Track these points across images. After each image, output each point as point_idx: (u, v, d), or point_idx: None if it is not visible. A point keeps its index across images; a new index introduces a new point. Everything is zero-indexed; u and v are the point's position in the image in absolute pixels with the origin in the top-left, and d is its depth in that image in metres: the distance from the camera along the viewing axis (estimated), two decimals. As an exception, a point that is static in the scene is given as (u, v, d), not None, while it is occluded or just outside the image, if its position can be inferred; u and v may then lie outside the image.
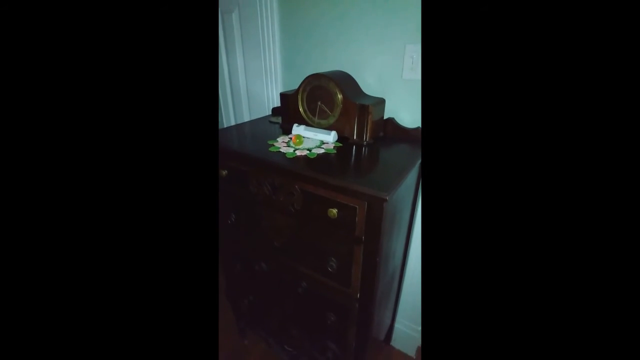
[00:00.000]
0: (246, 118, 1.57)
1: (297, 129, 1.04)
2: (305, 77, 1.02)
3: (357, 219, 0.76)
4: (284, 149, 0.94)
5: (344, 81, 1.01)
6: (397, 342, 1.50)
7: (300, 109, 1.07)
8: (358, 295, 0.89)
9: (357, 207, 0.75)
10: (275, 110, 1.35)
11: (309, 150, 0.94)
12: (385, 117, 1.07)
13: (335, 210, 0.79)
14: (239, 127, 1.21)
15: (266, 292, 1.19)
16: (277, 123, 1.22)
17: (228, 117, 1.68)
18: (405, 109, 1.07)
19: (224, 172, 1.01)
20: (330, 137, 0.99)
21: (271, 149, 0.95)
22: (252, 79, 1.45)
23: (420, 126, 1.03)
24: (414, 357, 1.45)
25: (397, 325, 1.47)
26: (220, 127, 1.75)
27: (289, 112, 1.11)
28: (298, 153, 0.92)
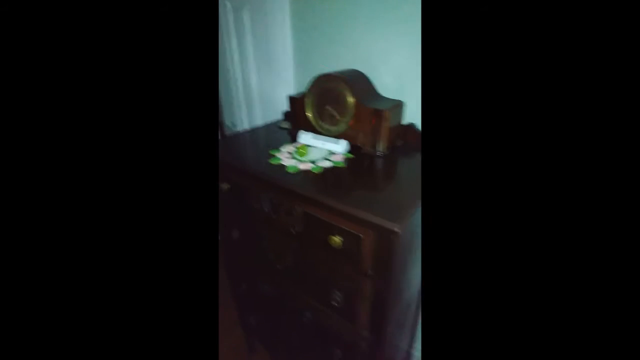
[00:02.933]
0: (259, 122, 1.48)
1: (304, 137, 0.93)
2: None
3: (362, 250, 0.63)
4: (285, 161, 0.83)
5: (357, 81, 0.87)
6: (418, 371, 1.35)
7: (309, 114, 0.95)
8: (366, 333, 0.75)
9: (362, 236, 0.62)
10: (286, 115, 1.24)
11: (314, 162, 0.82)
12: (404, 123, 0.92)
13: (338, 239, 0.66)
14: (244, 134, 1.12)
15: (272, 314, 1.09)
16: (287, 129, 1.11)
17: (241, 120, 1.60)
18: (431, 112, 0.92)
19: (226, 186, 0.92)
20: (339, 147, 0.86)
21: (272, 160, 0.84)
22: (264, 80, 1.36)
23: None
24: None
25: (415, 353, 1.32)
26: (231, 130, 1.68)
27: (296, 117, 1.00)
28: (301, 167, 0.80)
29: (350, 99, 0.83)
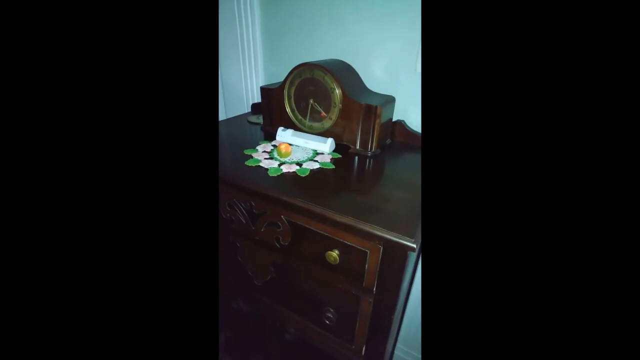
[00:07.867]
0: (221, 116, 1.32)
1: (283, 135, 0.82)
2: (293, 66, 0.79)
3: (367, 266, 0.56)
4: (265, 163, 0.71)
5: (344, 74, 0.79)
6: (396, 371, 1.34)
7: (287, 109, 0.84)
8: (362, 350, 0.69)
9: (369, 251, 0.54)
10: (255, 107, 1.11)
11: (299, 164, 0.72)
12: (393, 120, 0.86)
13: (336, 253, 0.58)
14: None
15: (246, 331, 0.97)
16: (258, 124, 0.99)
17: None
18: (417, 109, 0.87)
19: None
20: (326, 146, 0.77)
21: (248, 162, 0.72)
22: (227, 67, 1.20)
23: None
24: (416, 388, 1.29)
25: (397, 352, 1.30)
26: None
27: (272, 111, 0.88)
28: (284, 169, 0.69)
29: (338, 92, 0.74)
